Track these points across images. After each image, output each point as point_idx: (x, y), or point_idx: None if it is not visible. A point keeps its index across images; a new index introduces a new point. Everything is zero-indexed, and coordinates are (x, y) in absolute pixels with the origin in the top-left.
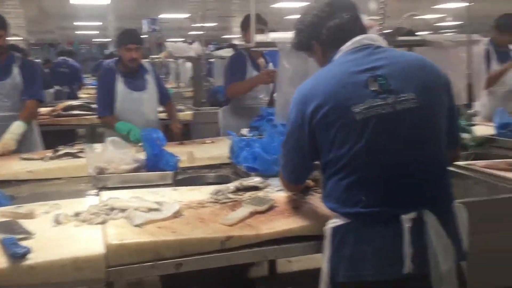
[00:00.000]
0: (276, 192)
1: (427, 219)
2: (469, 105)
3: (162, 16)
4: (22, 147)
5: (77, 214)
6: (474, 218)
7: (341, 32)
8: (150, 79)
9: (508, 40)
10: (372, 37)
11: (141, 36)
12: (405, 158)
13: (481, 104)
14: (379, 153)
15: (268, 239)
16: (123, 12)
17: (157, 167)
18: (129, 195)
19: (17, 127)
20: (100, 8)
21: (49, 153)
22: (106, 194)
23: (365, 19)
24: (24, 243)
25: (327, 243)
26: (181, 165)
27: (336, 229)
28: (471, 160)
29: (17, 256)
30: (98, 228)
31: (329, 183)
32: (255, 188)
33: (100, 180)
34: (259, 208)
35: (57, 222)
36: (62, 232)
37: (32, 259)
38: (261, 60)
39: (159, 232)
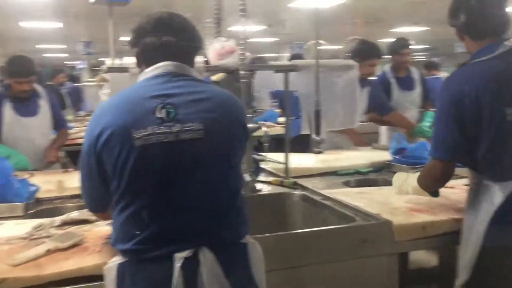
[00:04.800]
0: (107, 225)
1: (202, 258)
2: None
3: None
4: None
5: None
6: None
7: (147, 53)
8: (43, 104)
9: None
10: (181, 66)
11: (32, 63)
12: (185, 190)
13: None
14: (156, 183)
15: (53, 280)
16: None
17: (5, 198)
18: None
19: None
20: None
21: None
22: None
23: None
24: None
25: (109, 284)
26: (50, 194)
27: (118, 268)
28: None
29: None
30: None
31: (113, 214)
32: (84, 221)
33: None
34: (61, 245)
35: None
36: None
37: None
38: None
39: None
